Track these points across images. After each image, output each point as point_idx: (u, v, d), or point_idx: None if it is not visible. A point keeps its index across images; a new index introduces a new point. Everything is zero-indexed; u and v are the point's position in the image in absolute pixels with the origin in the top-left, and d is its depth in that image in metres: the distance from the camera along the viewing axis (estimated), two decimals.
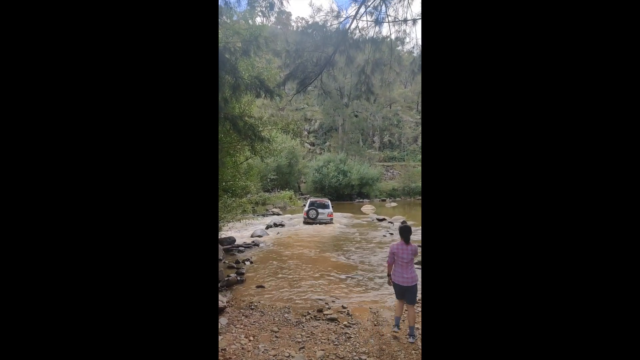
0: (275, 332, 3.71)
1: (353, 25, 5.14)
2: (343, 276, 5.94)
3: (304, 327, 3.85)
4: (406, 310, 3.71)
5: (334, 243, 8.95)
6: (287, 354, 3.20)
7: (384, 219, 13.81)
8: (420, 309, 4.05)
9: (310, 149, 34.32)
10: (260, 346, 3.34)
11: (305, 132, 35.92)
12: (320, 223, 12.08)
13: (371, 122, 36.24)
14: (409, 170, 28.31)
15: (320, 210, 12.29)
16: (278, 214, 15.65)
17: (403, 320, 3.90)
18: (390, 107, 38.34)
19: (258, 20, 6.18)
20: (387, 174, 30.77)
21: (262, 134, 5.93)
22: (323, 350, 3.31)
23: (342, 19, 5.25)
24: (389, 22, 5.00)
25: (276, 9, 5.07)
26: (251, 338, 3.54)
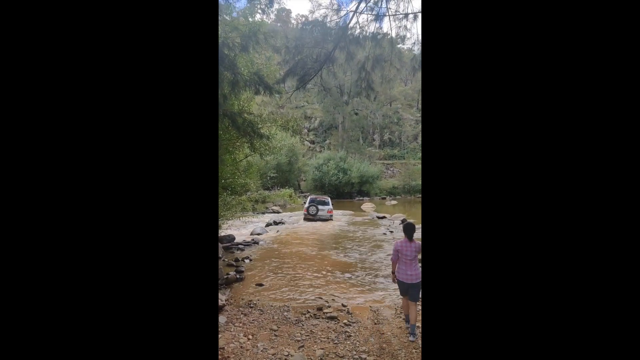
0: (275, 330, 3.67)
1: (353, 21, 5.08)
2: (343, 274, 5.90)
3: (303, 325, 3.82)
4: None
5: (334, 241, 8.92)
6: (286, 353, 3.16)
7: (384, 217, 13.79)
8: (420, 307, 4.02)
9: (310, 147, 34.27)
10: (259, 345, 3.31)
11: (305, 130, 35.84)
12: (320, 219, 12.23)
13: (371, 120, 36.16)
14: (409, 169, 28.26)
15: (320, 207, 12.45)
16: (278, 212, 15.62)
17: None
18: (391, 105, 38.23)
19: (257, 17, 6.12)
20: (387, 172, 30.73)
21: (262, 131, 5.87)
22: (323, 349, 3.27)
23: (342, 15, 5.19)
24: (389, 15, 4.94)
25: (276, 6, 5.01)
26: (250, 337, 3.50)
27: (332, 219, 12.47)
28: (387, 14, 4.87)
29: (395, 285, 5.19)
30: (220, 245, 7.30)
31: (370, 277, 5.80)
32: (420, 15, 5.09)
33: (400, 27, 5.04)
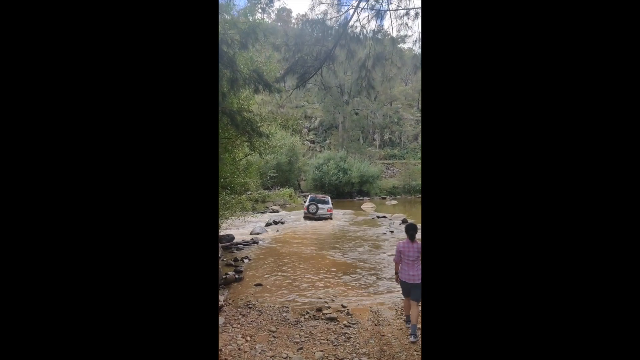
0: (273, 332, 3.61)
1: (354, 18, 5.02)
2: (343, 275, 5.85)
3: (302, 326, 3.76)
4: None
5: (333, 241, 8.86)
6: (285, 355, 3.10)
7: (384, 217, 13.73)
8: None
9: (310, 147, 34.22)
10: (257, 347, 3.25)
11: (306, 130, 35.80)
12: (320, 218, 12.41)
13: (372, 120, 36.10)
14: (410, 168, 28.19)
15: (320, 206, 12.62)
16: (278, 212, 15.56)
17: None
18: (391, 105, 38.16)
19: (258, 16, 6.05)
20: (387, 172, 30.67)
21: (261, 130, 5.81)
22: (322, 351, 3.21)
23: (343, 12, 5.13)
24: (390, 10, 4.88)
25: (277, 5, 4.96)
26: (248, 338, 3.44)
27: (331, 218, 12.60)
28: (388, 8, 4.80)
29: (396, 286, 5.15)
30: (219, 244, 7.24)
31: (370, 277, 5.74)
32: (420, 10, 5.03)
33: (401, 24, 4.98)
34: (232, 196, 7.16)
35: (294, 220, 12.77)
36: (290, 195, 20.41)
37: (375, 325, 3.82)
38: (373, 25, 5.23)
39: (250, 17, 5.66)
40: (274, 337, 3.50)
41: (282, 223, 11.91)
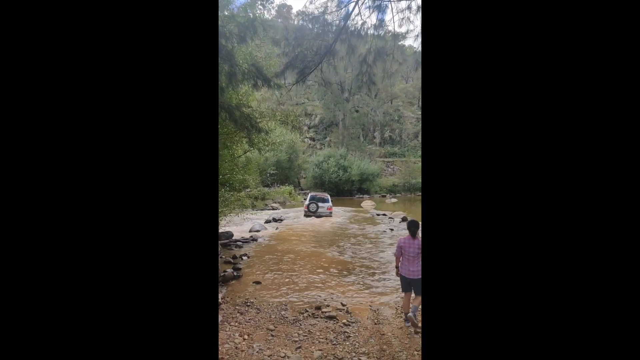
0: (271, 330, 3.55)
1: (355, 12, 4.93)
2: (342, 273, 5.79)
3: (301, 325, 3.70)
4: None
5: (333, 239, 8.80)
6: (283, 354, 3.05)
7: (384, 215, 13.68)
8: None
9: (310, 144, 34.13)
10: (254, 345, 3.19)
11: (306, 127, 35.69)
12: (320, 216, 12.50)
13: (372, 118, 35.98)
14: (410, 166, 28.10)
15: (320, 204, 12.68)
16: (277, 209, 15.51)
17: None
18: (392, 103, 38.01)
19: (258, 13, 5.95)
20: (387, 170, 30.60)
21: (260, 125, 5.73)
22: (321, 350, 3.15)
23: (343, 5, 5.04)
24: (391, 0, 4.79)
25: (277, 2, 4.87)
26: (246, 337, 3.38)
27: (331, 216, 12.66)
28: (390, 0, 4.72)
29: (396, 285, 5.09)
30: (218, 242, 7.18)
31: (370, 276, 5.68)
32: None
33: (403, 18, 4.90)
34: (231, 193, 7.09)
35: (294, 217, 12.72)
36: (290, 193, 20.35)
37: (375, 324, 3.76)
38: (374, 19, 5.15)
39: (251, 15, 5.57)
40: (272, 335, 3.44)
41: (282, 220, 11.85)
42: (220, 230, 8.17)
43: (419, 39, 5.81)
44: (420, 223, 3.52)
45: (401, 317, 3.89)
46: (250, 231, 9.48)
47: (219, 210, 6.60)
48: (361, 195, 24.46)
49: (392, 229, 10.22)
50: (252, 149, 7.23)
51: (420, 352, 3.09)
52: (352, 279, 5.48)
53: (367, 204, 18.86)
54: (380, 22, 5.24)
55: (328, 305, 4.26)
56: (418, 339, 3.36)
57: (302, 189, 24.91)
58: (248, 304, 4.29)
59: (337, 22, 5.26)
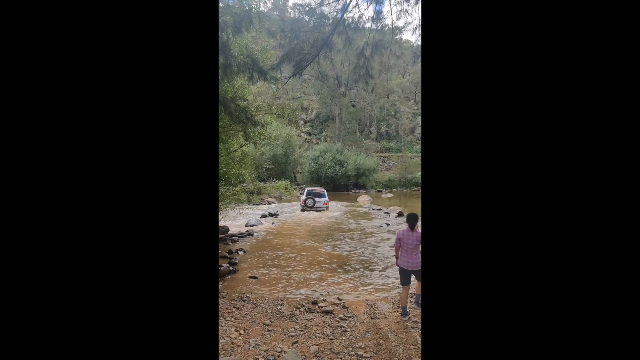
0: (268, 325, 3.53)
1: (352, 4, 4.85)
2: (338, 267, 5.78)
3: (297, 320, 3.68)
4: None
5: (329, 233, 8.79)
6: (279, 349, 3.03)
7: (380, 209, 13.71)
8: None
9: (306, 139, 33.99)
10: (251, 340, 3.17)
11: (302, 122, 35.51)
12: (317, 210, 12.57)
13: (368, 112, 35.88)
14: (406, 162, 28.15)
15: (316, 199, 12.76)
16: (273, 204, 15.46)
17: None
18: (388, 98, 37.90)
19: (254, 4, 5.83)
20: (383, 165, 30.65)
21: (256, 119, 5.65)
22: (317, 345, 3.14)
23: None
24: None
25: None
26: (242, 332, 3.36)
27: (327, 210, 12.73)
28: None
29: (393, 280, 5.10)
30: None
31: (366, 270, 5.68)
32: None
33: (401, 10, 4.82)
34: (227, 187, 7.03)
35: (290, 212, 12.69)
36: (286, 188, 20.28)
37: (372, 318, 3.75)
38: (371, 11, 5.06)
39: (246, 5, 5.46)
40: (269, 330, 3.42)
41: (278, 215, 11.82)
42: None
43: (417, 32, 5.75)
44: (419, 216, 3.52)
45: (398, 311, 3.89)
46: (246, 226, 9.43)
47: None
48: (357, 190, 24.49)
49: (388, 224, 10.24)
50: (247, 142, 7.17)
51: (416, 347, 3.09)
52: (348, 273, 5.47)
53: (363, 198, 18.87)
54: (378, 15, 5.15)
55: (324, 300, 4.25)
56: (414, 333, 3.37)
57: (298, 184, 24.85)
58: (244, 298, 4.27)
59: (334, 14, 5.17)
